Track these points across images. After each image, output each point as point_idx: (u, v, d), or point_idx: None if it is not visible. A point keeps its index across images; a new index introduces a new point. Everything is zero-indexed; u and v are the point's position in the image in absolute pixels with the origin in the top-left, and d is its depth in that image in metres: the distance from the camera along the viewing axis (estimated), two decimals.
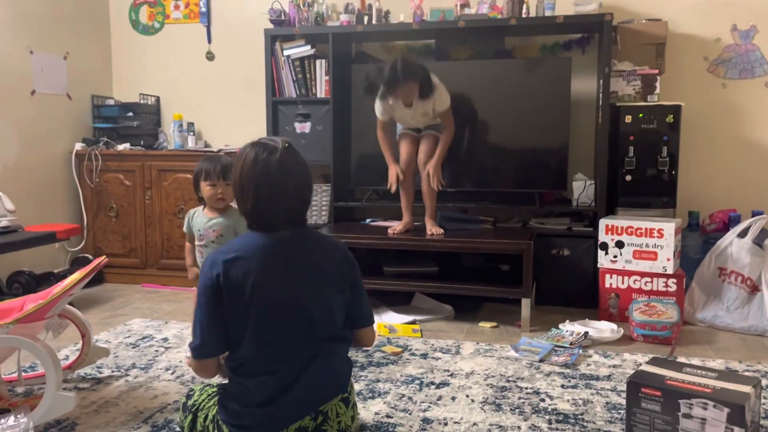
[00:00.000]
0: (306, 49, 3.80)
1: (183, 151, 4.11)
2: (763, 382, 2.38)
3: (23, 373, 2.43)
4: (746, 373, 2.47)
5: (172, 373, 2.55)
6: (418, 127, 3.40)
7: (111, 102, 4.36)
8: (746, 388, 1.77)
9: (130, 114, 4.25)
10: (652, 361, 2.02)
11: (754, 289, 3.09)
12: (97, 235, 4.19)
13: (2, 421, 1.98)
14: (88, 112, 4.32)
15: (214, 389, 1.85)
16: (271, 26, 3.87)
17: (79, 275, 2.21)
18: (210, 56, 4.37)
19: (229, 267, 1.65)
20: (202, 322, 1.69)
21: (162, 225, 4.04)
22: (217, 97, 4.36)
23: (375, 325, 1.95)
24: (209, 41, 4.36)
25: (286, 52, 3.81)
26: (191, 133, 4.22)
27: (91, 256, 4.02)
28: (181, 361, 2.67)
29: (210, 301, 1.67)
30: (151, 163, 4.06)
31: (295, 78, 3.83)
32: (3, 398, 2.26)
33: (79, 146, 4.16)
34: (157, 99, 4.44)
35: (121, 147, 4.14)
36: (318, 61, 3.81)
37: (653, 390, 1.83)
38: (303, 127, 3.85)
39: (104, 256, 2.48)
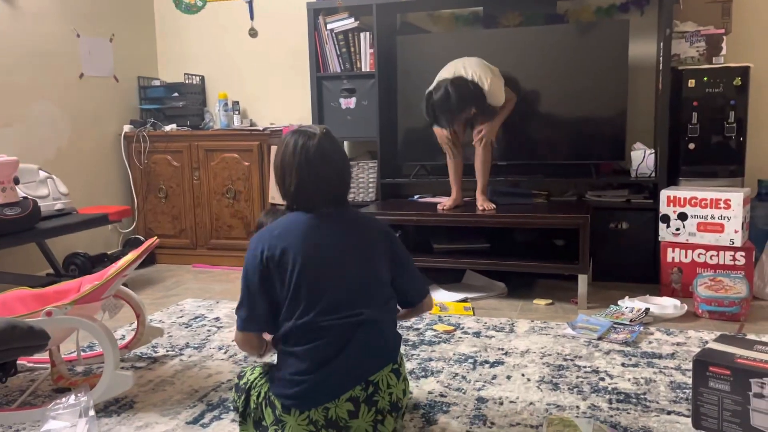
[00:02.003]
0: (349, 22, 3.72)
1: (229, 130, 4.10)
2: None
3: (82, 353, 2.48)
4: None
5: (225, 353, 2.55)
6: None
7: (157, 83, 4.38)
8: None
9: (176, 94, 4.27)
10: (720, 339, 1.90)
11: None
12: (148, 217, 4.24)
13: (63, 399, 2.02)
14: (135, 94, 4.36)
15: (266, 367, 1.85)
16: (313, 0, 3.80)
17: (132, 256, 2.22)
18: (253, 33, 4.33)
19: (275, 242, 1.70)
20: (248, 296, 1.73)
21: (211, 205, 4.06)
22: (261, 74, 4.33)
23: (430, 294, 1.98)
24: (252, 18, 4.32)
25: (329, 26, 3.74)
26: (236, 112, 4.21)
27: (142, 237, 4.08)
28: (233, 341, 2.68)
29: (255, 276, 1.71)
30: (198, 143, 4.07)
31: (339, 52, 3.76)
32: (64, 377, 2.31)
33: (127, 128, 4.20)
34: (202, 78, 4.44)
35: (168, 128, 4.17)
36: (362, 34, 3.72)
37: (722, 369, 1.72)
38: (348, 103, 3.78)
39: (155, 237, 2.49)
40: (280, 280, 1.69)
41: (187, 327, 2.90)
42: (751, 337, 2.50)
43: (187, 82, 4.34)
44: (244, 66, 4.36)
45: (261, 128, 4.02)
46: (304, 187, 1.74)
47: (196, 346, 2.65)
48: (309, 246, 1.70)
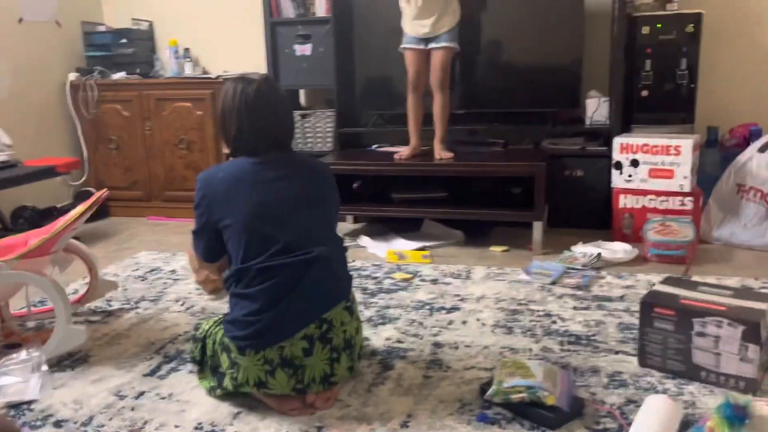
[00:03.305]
0: None
1: (180, 78, 3.97)
2: None
3: (33, 308, 2.42)
4: (762, 291, 2.42)
5: (182, 305, 2.53)
6: (426, 34, 3.18)
7: (102, 28, 4.18)
8: (762, 305, 1.72)
9: (124, 41, 4.09)
10: (666, 281, 1.97)
11: None
12: (99, 168, 4.12)
13: (14, 355, 1.98)
14: (79, 40, 4.16)
15: (220, 317, 1.86)
16: None
17: (81, 209, 2.16)
18: None
19: (220, 185, 1.75)
20: (200, 230, 1.83)
21: (164, 156, 3.96)
22: (213, 20, 4.16)
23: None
24: None
25: None
26: (188, 60, 4.07)
27: (93, 190, 3.96)
28: (190, 293, 2.66)
29: (203, 217, 1.79)
30: (148, 92, 3.93)
31: None
32: (14, 333, 2.26)
33: (72, 76, 4.02)
34: (150, 24, 4.26)
35: (116, 76, 4.01)
36: None
37: (666, 309, 1.78)
38: (303, 50, 3.68)
39: (105, 189, 2.42)
40: (229, 220, 1.73)
41: (142, 280, 2.86)
42: (696, 279, 2.59)
43: (134, 27, 4.15)
44: (195, 11, 4.18)
45: (214, 76, 3.90)
46: (245, 131, 1.78)
47: (152, 298, 2.62)
48: (256, 190, 1.73)
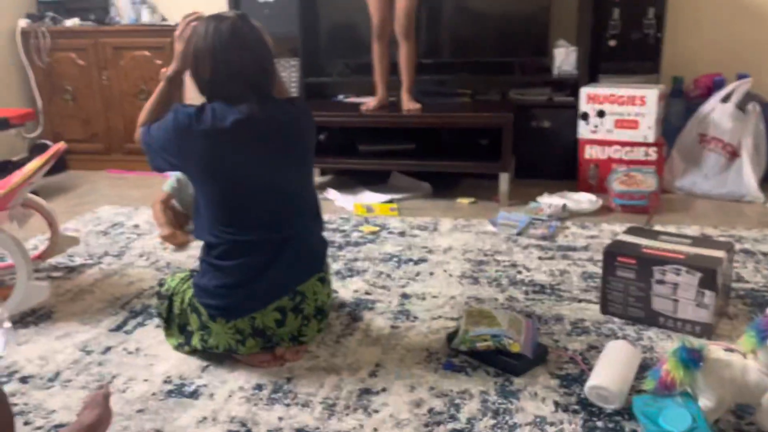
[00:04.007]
0: None
1: (138, 26, 3.81)
2: (737, 246, 2.41)
3: None
4: (721, 239, 2.49)
5: (146, 260, 2.50)
6: None
7: None
8: (719, 253, 1.77)
9: None
10: (629, 231, 2.01)
11: (734, 155, 3.07)
12: (55, 120, 3.97)
13: None
14: None
15: (187, 273, 1.83)
16: None
17: (38, 163, 2.09)
18: None
19: (196, 142, 1.59)
20: (157, 154, 1.68)
21: (123, 108, 3.83)
22: None
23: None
24: None
25: None
26: (145, 6, 3.90)
27: (50, 143, 3.82)
28: (155, 247, 2.62)
29: (168, 154, 1.65)
30: (104, 40, 3.77)
31: None
32: None
33: (23, 23, 3.83)
34: None
35: (69, 22, 3.83)
36: None
37: (628, 258, 1.82)
38: None
39: (62, 142, 2.33)
40: (204, 179, 1.63)
41: (105, 235, 2.80)
42: (658, 228, 2.65)
43: None
44: None
45: (173, 24, 3.75)
46: (221, 74, 1.61)
47: (116, 254, 2.57)
48: (236, 158, 1.60)
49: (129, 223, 2.94)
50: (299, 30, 3.54)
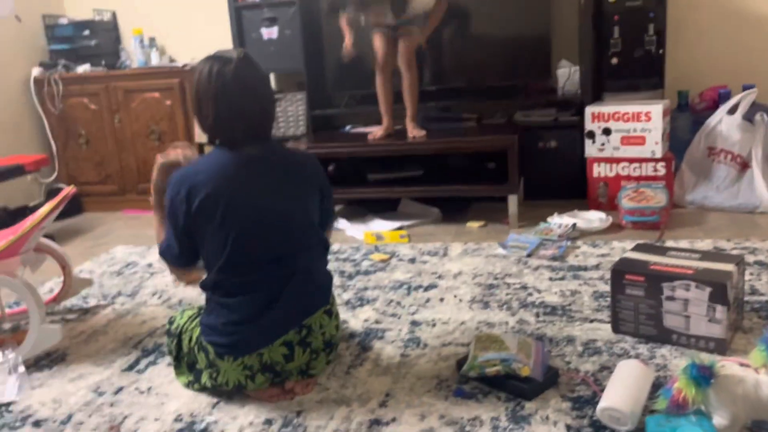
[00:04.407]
0: None
1: (148, 69, 3.90)
2: (751, 258, 2.37)
3: (8, 309, 2.40)
4: (734, 251, 2.46)
5: (159, 298, 2.52)
6: (392, 22, 3.15)
7: (64, 21, 4.09)
8: (729, 267, 1.74)
9: (87, 32, 4.01)
10: (637, 248, 1.99)
11: (744, 166, 3.04)
12: (70, 164, 4.06)
13: None
14: (41, 34, 4.07)
15: (195, 311, 1.84)
16: None
17: (49, 207, 2.14)
18: None
19: (200, 187, 1.62)
20: (175, 234, 1.69)
21: (135, 148, 3.91)
22: (177, 7, 4.09)
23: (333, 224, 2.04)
24: None
25: None
26: (154, 49, 4.00)
27: (65, 186, 3.90)
28: (167, 285, 2.64)
29: (181, 220, 1.65)
30: (115, 84, 3.87)
31: None
32: None
33: (36, 71, 3.94)
34: (113, 14, 4.17)
35: (81, 69, 3.93)
36: None
37: (637, 276, 1.80)
38: (270, 33, 3.63)
39: (72, 186, 2.38)
40: (207, 227, 1.64)
41: (118, 275, 2.84)
42: (669, 243, 2.62)
43: (97, 18, 4.07)
44: None
45: (181, 65, 3.84)
46: (223, 118, 1.63)
47: (129, 293, 2.60)
48: (239, 196, 1.62)
49: (142, 263, 2.98)
50: (304, 65, 3.60)
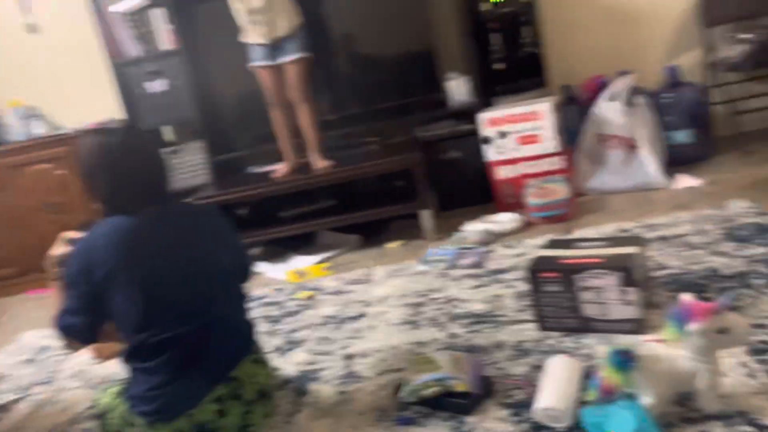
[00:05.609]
0: (139, 1, 3.45)
1: (32, 140, 3.71)
2: (653, 234, 2.50)
3: None
4: (637, 230, 2.59)
5: (79, 379, 2.38)
6: (267, 38, 3.10)
7: None
8: (633, 249, 1.84)
9: None
10: (547, 245, 2.06)
11: (633, 147, 3.21)
12: None
13: None
14: None
15: (119, 386, 1.76)
16: None
17: None
18: (31, 28, 3.89)
19: (100, 256, 1.57)
20: (72, 309, 1.62)
21: (33, 225, 3.68)
22: (55, 72, 3.93)
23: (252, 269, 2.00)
24: (26, 12, 3.87)
25: (115, 8, 3.44)
26: (37, 118, 3.81)
27: None
28: (86, 363, 2.49)
29: (81, 290, 1.59)
30: None
31: (133, 34, 3.49)
32: None
33: None
34: None
35: None
36: (152, 11, 3.47)
37: (551, 272, 1.86)
38: (157, 86, 3.54)
39: None
40: (111, 297, 1.58)
41: (31, 363, 2.66)
42: (576, 232, 2.73)
43: None
44: (34, 66, 3.92)
45: (68, 131, 3.68)
46: (117, 189, 1.61)
47: (45, 380, 2.44)
48: (141, 258, 1.58)
49: (56, 345, 2.80)
50: (198, 112, 3.53)
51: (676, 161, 3.28)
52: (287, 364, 2.11)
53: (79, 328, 1.64)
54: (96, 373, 2.39)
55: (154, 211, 1.65)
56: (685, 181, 3.05)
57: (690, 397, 1.43)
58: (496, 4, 3.29)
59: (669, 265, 2.20)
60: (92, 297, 1.59)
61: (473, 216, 3.15)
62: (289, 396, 1.90)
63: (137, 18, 3.48)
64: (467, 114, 3.50)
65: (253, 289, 2.88)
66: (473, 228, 2.97)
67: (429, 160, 3.32)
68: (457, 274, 2.57)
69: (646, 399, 1.38)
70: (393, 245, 3.17)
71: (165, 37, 3.49)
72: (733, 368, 1.52)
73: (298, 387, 1.95)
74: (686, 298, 1.42)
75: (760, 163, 3.12)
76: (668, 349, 1.41)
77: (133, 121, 1.72)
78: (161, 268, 1.61)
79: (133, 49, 3.51)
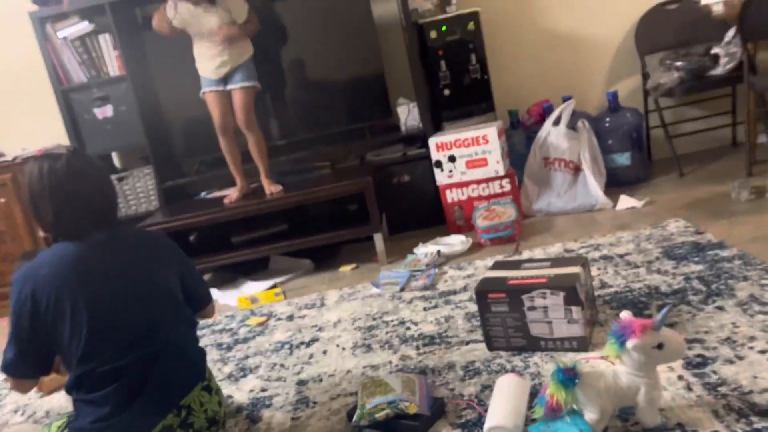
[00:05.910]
0: (84, 27, 3.42)
1: None
2: (596, 254, 2.59)
3: None
4: (582, 250, 2.68)
5: (22, 414, 2.30)
6: (219, 72, 3.13)
7: None
8: (576, 269, 1.90)
9: None
10: (494, 266, 2.11)
11: (577, 170, 3.33)
12: None
13: None
14: None
15: (64, 419, 1.71)
16: (35, 8, 3.42)
17: None
18: None
19: (44, 284, 1.54)
20: (18, 341, 1.57)
21: None
22: None
23: (214, 300, 2.01)
24: None
25: (61, 34, 3.40)
26: None
27: None
28: (30, 398, 2.41)
29: (26, 322, 1.55)
30: None
31: (80, 60, 3.45)
32: None
33: None
34: None
35: None
36: (101, 36, 3.44)
37: (498, 293, 1.91)
38: (104, 112, 3.50)
39: None
40: (56, 325, 1.54)
41: None
42: (523, 253, 2.81)
43: None
44: None
45: (11, 158, 3.58)
46: (63, 213, 1.59)
47: None
48: (87, 284, 1.56)
49: None
50: (146, 138, 3.49)
51: (616, 183, 3.42)
52: (239, 392, 2.09)
53: (20, 362, 1.59)
54: (41, 407, 2.31)
55: (101, 237, 1.63)
56: (627, 202, 3.17)
57: (632, 412, 1.48)
58: (443, 31, 3.38)
59: (612, 283, 2.29)
60: (35, 327, 1.55)
61: (424, 238, 3.20)
62: (241, 424, 1.89)
63: (84, 44, 3.44)
64: (417, 138, 3.58)
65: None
66: (425, 250, 3.02)
67: (380, 184, 3.37)
68: (409, 297, 2.60)
69: (590, 414, 1.43)
70: (346, 269, 3.19)
71: (112, 62, 3.46)
72: (672, 382, 1.59)
73: (251, 414, 1.93)
74: (625, 315, 1.48)
75: (694, 184, 3.28)
76: (609, 365, 1.47)
77: (79, 146, 1.69)
78: (108, 295, 1.58)
79: (80, 74, 3.46)
